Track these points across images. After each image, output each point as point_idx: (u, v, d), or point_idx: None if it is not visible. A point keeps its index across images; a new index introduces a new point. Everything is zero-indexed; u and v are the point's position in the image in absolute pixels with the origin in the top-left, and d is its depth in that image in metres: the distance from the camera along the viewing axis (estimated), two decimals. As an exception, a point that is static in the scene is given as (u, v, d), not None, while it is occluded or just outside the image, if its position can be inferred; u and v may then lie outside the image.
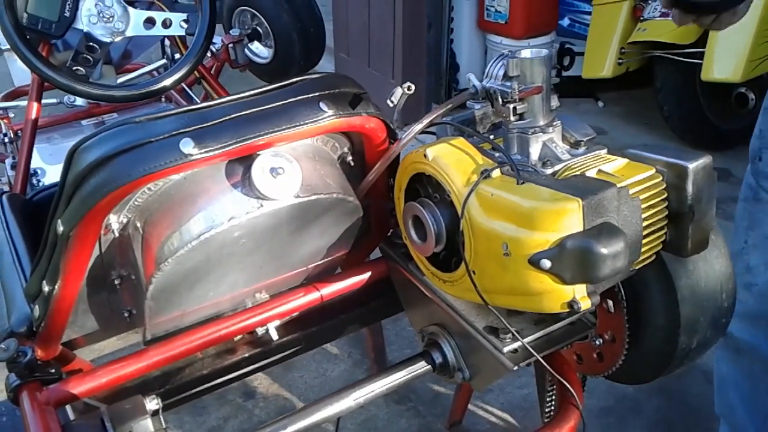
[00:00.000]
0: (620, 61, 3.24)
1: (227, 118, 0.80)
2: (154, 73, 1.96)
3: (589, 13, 3.49)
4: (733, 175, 3.25)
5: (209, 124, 0.79)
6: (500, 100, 0.87)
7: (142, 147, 0.77)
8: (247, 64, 2.17)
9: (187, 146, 0.77)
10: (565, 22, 3.81)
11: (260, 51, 2.19)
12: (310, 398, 1.98)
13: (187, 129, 0.78)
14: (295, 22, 2.07)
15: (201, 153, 0.78)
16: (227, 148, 0.79)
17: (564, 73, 3.86)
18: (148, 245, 0.87)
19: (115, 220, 0.87)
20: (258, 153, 0.84)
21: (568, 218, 0.74)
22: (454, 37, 3.76)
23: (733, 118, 3.28)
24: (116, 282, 0.98)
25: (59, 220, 0.82)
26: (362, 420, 2.00)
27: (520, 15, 3.47)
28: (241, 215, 0.83)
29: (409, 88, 0.90)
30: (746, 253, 1.02)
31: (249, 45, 2.16)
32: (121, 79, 1.90)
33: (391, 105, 0.90)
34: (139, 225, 0.88)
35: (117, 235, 0.88)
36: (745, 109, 3.23)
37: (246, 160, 0.84)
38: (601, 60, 3.28)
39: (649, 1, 3.13)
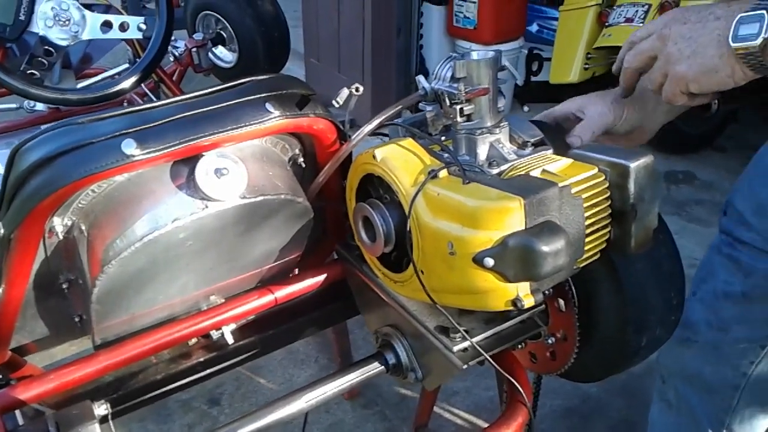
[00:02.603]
0: (586, 66, 3.29)
1: (171, 119, 0.80)
2: (116, 77, 1.94)
3: (557, 19, 3.53)
4: (697, 178, 3.30)
5: (152, 125, 0.79)
6: (448, 101, 0.88)
7: (84, 148, 0.77)
8: (210, 69, 2.16)
9: (129, 147, 0.76)
10: (534, 27, 3.86)
11: (224, 55, 2.19)
12: (276, 404, 1.97)
13: (130, 130, 0.78)
14: (259, 27, 2.07)
15: (143, 154, 0.77)
16: (170, 149, 0.78)
17: (533, 79, 3.90)
18: (92, 248, 0.86)
19: (59, 223, 0.86)
20: (203, 154, 0.83)
21: (510, 217, 0.75)
22: (424, 43, 3.78)
23: (697, 121, 3.34)
24: (64, 286, 0.97)
25: (0, 223, 0.81)
26: (329, 424, 1.99)
27: (488, 21, 3.51)
28: (186, 216, 0.83)
29: (357, 89, 0.91)
30: (689, 307, 1.02)
31: (213, 49, 2.16)
32: (82, 84, 1.88)
33: (336, 105, 0.90)
34: (83, 228, 0.87)
35: (61, 238, 0.87)
36: (708, 113, 3.28)
37: (191, 162, 0.84)
38: (567, 65, 3.32)
39: (614, 7, 3.17)
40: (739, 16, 0.76)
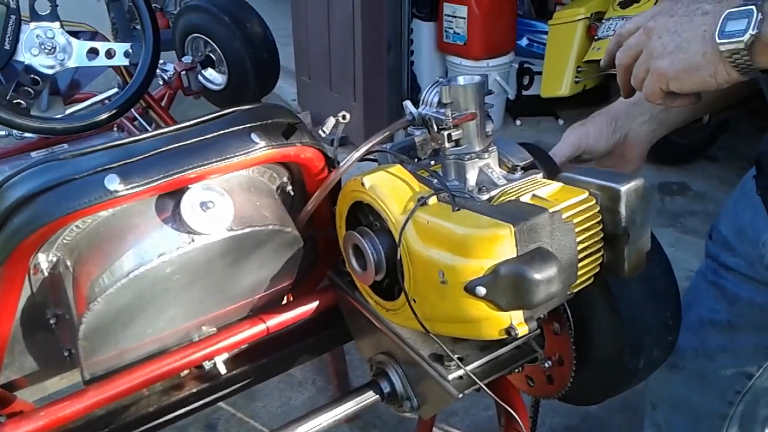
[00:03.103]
0: (577, 79, 3.30)
1: (155, 152, 0.79)
2: (105, 101, 1.93)
3: (547, 33, 3.55)
4: (691, 189, 3.30)
5: (135, 159, 0.77)
6: (435, 126, 0.87)
7: (66, 185, 0.75)
8: (200, 91, 2.16)
9: (113, 183, 0.75)
10: (524, 42, 3.87)
11: (214, 77, 2.18)
12: (273, 428, 1.95)
13: (113, 165, 0.77)
14: (248, 48, 2.07)
15: (127, 189, 0.76)
16: (154, 183, 0.77)
17: (524, 92, 3.91)
18: (78, 284, 0.84)
19: (44, 260, 0.84)
20: (188, 187, 0.82)
21: (501, 245, 0.74)
22: (415, 60, 3.79)
23: (689, 132, 3.34)
24: (52, 322, 0.95)
25: (-17, 262, 0.80)
26: (326, 448, 1.97)
27: (478, 36, 3.52)
28: (172, 251, 0.81)
29: (344, 117, 0.90)
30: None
31: (202, 72, 2.15)
32: (71, 109, 1.87)
33: (323, 135, 0.89)
34: (69, 263, 0.85)
35: (47, 274, 0.86)
36: (699, 124, 3.29)
37: (176, 195, 0.82)
38: (558, 79, 3.33)
39: (603, 21, 3.19)
40: (727, 11, 0.71)
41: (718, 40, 0.71)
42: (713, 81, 0.74)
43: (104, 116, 1.39)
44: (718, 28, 0.71)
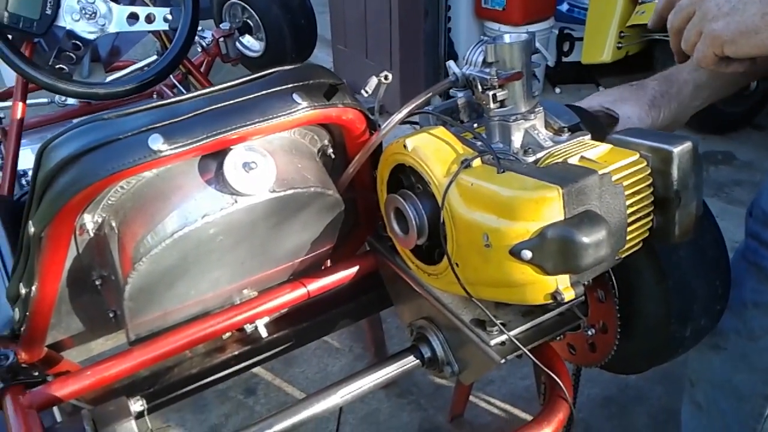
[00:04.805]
0: (620, 45, 3.20)
1: (198, 112, 0.78)
2: (144, 68, 1.94)
3: (588, -2, 3.45)
4: (736, 158, 3.21)
5: (179, 119, 0.77)
6: (480, 87, 0.85)
7: (110, 144, 0.75)
8: (238, 58, 2.15)
9: (156, 142, 0.75)
10: (564, 7, 3.77)
11: (251, 44, 2.18)
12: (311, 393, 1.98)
13: (156, 125, 0.76)
14: (286, 15, 2.06)
15: (171, 149, 0.76)
16: (198, 144, 0.77)
17: (564, 59, 3.82)
18: (123, 245, 0.85)
19: (89, 220, 0.85)
20: (231, 147, 0.82)
21: (548, 207, 0.72)
22: (452, 26, 3.73)
23: (735, 100, 3.24)
24: (97, 283, 0.97)
25: (31, 222, 0.81)
26: (364, 414, 1.99)
27: (517, 1, 3.44)
28: (215, 212, 0.81)
29: (386, 78, 0.88)
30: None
31: (240, 38, 2.15)
32: (112, 76, 1.89)
33: (365, 95, 0.87)
34: (114, 224, 0.86)
35: (92, 235, 0.87)
36: (747, 91, 3.19)
37: (219, 156, 0.82)
38: (600, 45, 3.24)
39: (648, -16, 3.08)
40: None
41: None
42: None
43: (145, 81, 1.39)
44: None
